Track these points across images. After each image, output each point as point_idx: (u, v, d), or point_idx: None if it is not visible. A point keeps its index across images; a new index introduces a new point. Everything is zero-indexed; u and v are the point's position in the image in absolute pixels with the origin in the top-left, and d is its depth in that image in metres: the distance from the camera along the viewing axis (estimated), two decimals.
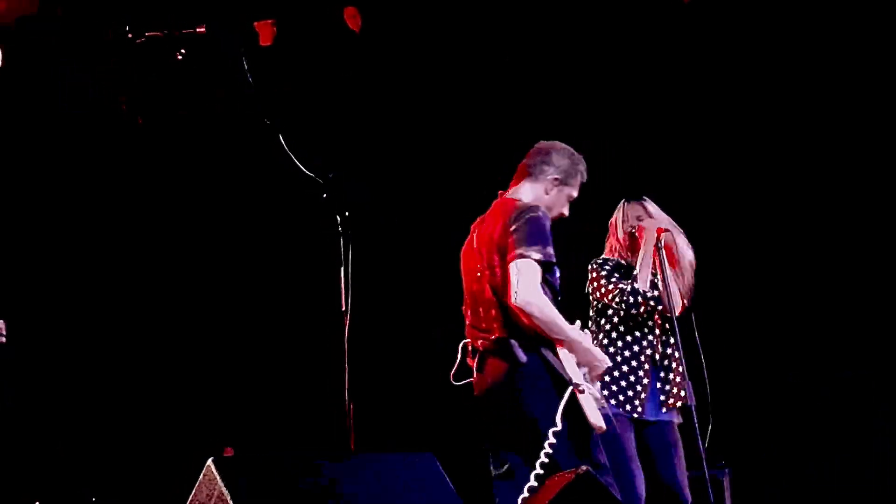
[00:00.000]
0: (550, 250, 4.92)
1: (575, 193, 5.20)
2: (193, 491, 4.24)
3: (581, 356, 4.91)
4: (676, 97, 8.07)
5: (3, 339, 6.10)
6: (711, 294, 6.35)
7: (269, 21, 7.97)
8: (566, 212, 5.20)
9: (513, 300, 4.83)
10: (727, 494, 6.64)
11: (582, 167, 5.21)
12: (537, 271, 4.87)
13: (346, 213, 4.16)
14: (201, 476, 4.23)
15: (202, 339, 8.67)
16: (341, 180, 4.12)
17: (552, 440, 4.71)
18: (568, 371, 4.83)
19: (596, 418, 4.83)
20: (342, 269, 4.12)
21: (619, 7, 7.83)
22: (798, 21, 7.69)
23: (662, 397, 5.76)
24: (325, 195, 4.11)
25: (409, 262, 8.38)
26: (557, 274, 4.99)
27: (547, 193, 5.15)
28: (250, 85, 4.16)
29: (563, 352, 4.87)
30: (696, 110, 8.07)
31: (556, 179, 5.14)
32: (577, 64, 8.01)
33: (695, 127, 8.11)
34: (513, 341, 4.90)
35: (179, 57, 4.29)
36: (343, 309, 4.20)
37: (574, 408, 4.79)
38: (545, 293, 4.87)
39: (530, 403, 4.85)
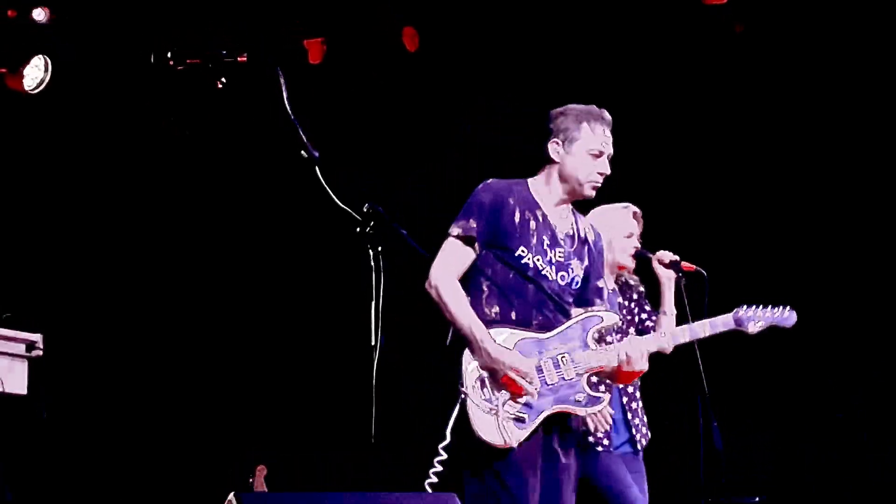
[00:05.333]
0: (472, 223, 4.42)
1: (594, 145, 4.48)
2: None
3: (476, 355, 4.29)
4: (670, 98, 8.08)
5: (41, 353, 6.13)
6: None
7: (319, 39, 7.99)
8: (604, 169, 4.50)
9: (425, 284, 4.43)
10: None
11: (586, 116, 4.52)
12: (454, 249, 4.43)
13: (380, 248, 4.13)
14: None
15: (238, 370, 8.71)
16: (377, 213, 4.08)
17: (441, 455, 4.30)
18: (464, 373, 4.28)
19: (488, 433, 4.23)
20: (373, 303, 4.07)
21: (619, 10, 7.83)
22: (797, 22, 7.69)
23: (637, 435, 5.27)
24: (359, 228, 4.07)
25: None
26: (531, 255, 4.40)
27: (556, 161, 4.52)
28: (289, 115, 4.13)
29: (466, 351, 4.32)
30: (692, 111, 8.07)
31: (556, 143, 4.51)
32: (579, 66, 8.02)
33: (694, 129, 8.12)
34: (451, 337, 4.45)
35: (220, 85, 4.26)
36: (373, 344, 4.15)
37: (465, 422, 4.26)
38: (486, 274, 4.40)
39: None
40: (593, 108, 4.57)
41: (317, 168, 4.12)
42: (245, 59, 4.37)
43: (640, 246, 5.35)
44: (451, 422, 4.27)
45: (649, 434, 5.30)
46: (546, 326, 4.40)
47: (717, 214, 7.92)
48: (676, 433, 6.03)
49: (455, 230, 4.44)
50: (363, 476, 8.36)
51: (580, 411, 4.38)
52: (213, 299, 8.76)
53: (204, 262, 8.76)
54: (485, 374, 4.28)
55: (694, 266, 5.25)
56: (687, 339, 4.67)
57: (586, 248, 4.58)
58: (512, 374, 4.24)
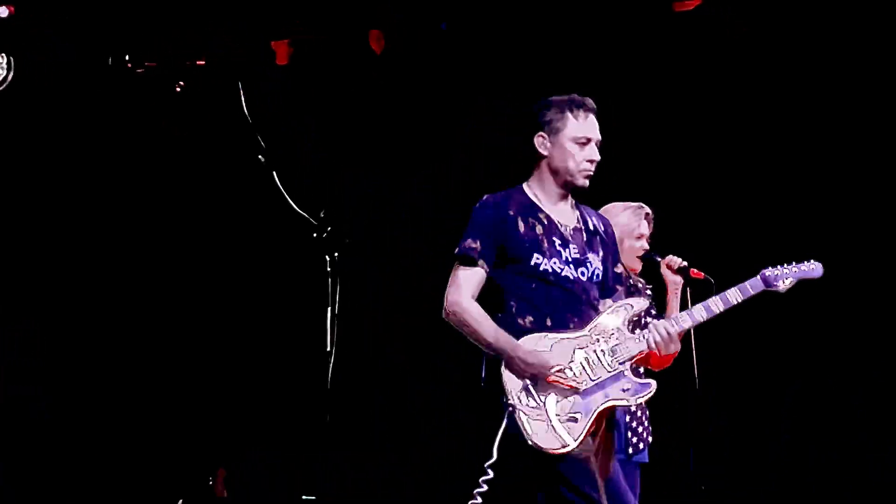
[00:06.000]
0: (472, 244, 4.36)
1: (580, 132, 4.42)
2: None
3: (513, 366, 4.24)
4: (678, 100, 8.09)
5: None
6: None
7: (286, 41, 7.98)
8: (593, 155, 4.45)
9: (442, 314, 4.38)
10: None
11: (569, 105, 4.45)
12: (464, 272, 4.36)
13: (336, 254, 4.10)
14: None
15: (187, 371, 8.66)
16: (333, 220, 4.04)
17: (488, 475, 4.19)
18: (506, 386, 4.23)
19: (544, 439, 4.16)
20: (329, 309, 4.04)
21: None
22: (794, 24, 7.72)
23: (634, 439, 5.25)
24: (315, 234, 4.04)
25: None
26: (546, 260, 4.34)
27: (545, 156, 4.47)
28: (247, 120, 4.10)
29: (501, 366, 4.26)
30: (689, 113, 8.08)
31: (541, 136, 4.44)
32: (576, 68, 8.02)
33: (693, 132, 8.13)
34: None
35: (178, 88, 4.25)
36: (328, 349, 4.12)
37: (514, 434, 4.18)
38: (510, 290, 4.34)
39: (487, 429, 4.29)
40: (575, 96, 4.50)
41: (274, 174, 4.10)
42: (203, 62, 4.35)
43: (648, 248, 5.35)
44: (498, 439, 4.18)
45: (650, 439, 5.24)
46: (582, 325, 4.36)
47: (720, 219, 7.91)
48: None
49: (460, 253, 4.39)
50: (363, 476, 8.35)
51: (631, 401, 4.34)
52: (164, 305, 8.68)
53: (158, 273, 8.70)
54: (527, 381, 4.23)
55: (703, 274, 5.24)
56: (721, 309, 4.54)
57: (598, 238, 4.54)
58: (553, 373, 4.20)
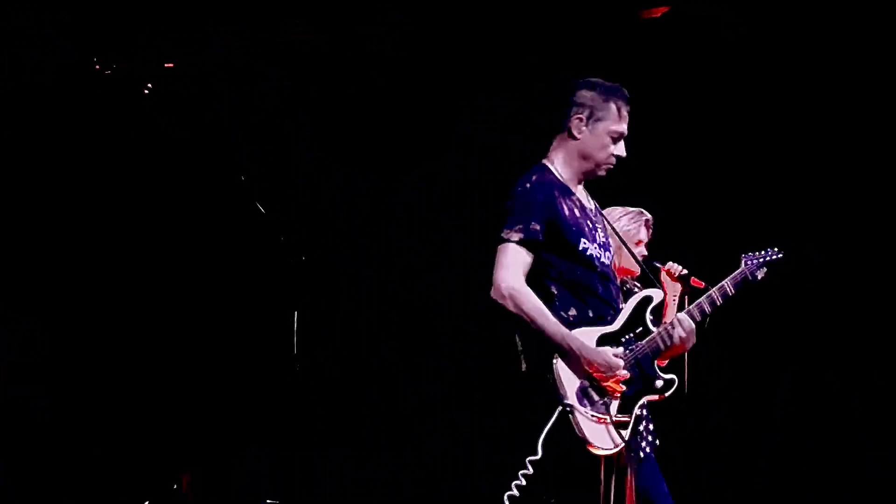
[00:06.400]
0: (535, 226, 4.18)
1: (616, 126, 4.33)
2: None
3: (572, 362, 4.11)
4: (678, 101, 8.08)
5: None
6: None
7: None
8: (620, 152, 4.37)
9: (490, 294, 4.20)
10: None
11: (614, 96, 4.36)
12: (517, 255, 4.18)
13: (303, 258, 4.07)
14: None
15: (184, 371, 8.65)
16: (300, 223, 4.01)
17: (527, 470, 4.06)
18: (561, 384, 4.10)
19: (600, 440, 4.08)
20: (294, 313, 4.01)
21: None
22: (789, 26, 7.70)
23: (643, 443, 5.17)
24: (282, 238, 4.02)
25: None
26: (591, 244, 4.26)
27: (576, 138, 4.34)
28: (216, 123, 4.09)
29: (557, 359, 4.12)
30: (689, 116, 8.06)
31: (579, 118, 4.32)
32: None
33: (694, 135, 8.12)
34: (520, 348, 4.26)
35: (146, 91, 4.25)
36: (294, 353, 4.09)
37: (564, 432, 4.09)
38: (551, 276, 4.22)
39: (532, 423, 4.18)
40: (618, 86, 4.42)
41: (243, 178, 4.07)
42: (172, 66, 4.35)
43: (646, 254, 5.32)
44: (544, 435, 4.04)
45: (657, 442, 5.18)
46: (615, 317, 4.28)
47: (719, 223, 7.89)
48: None
49: (514, 235, 4.20)
50: (357, 475, 8.35)
51: (661, 398, 4.31)
52: (128, 309, 8.68)
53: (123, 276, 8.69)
54: (586, 381, 4.11)
55: (703, 283, 5.22)
56: (720, 302, 4.55)
57: (603, 218, 4.52)
58: (619, 374, 4.12)
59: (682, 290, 5.18)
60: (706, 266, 5.51)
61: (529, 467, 4.05)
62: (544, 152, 4.47)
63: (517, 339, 4.22)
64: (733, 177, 7.95)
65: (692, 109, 7.97)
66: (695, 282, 5.18)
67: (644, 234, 5.41)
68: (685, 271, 5.25)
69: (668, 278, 5.23)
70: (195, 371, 8.48)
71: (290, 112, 8.30)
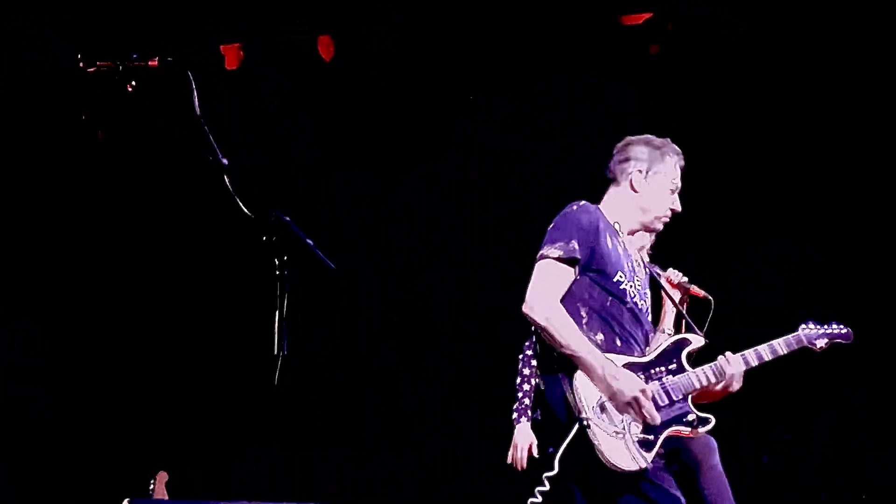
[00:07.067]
0: (574, 245, 4.26)
1: (675, 179, 4.55)
2: None
3: (596, 381, 4.16)
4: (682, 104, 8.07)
5: None
6: None
7: (236, 45, 7.99)
8: (676, 206, 4.56)
9: (522, 308, 4.25)
10: None
11: (668, 149, 4.56)
12: (554, 271, 4.27)
13: (285, 256, 4.06)
14: None
15: (132, 374, 8.64)
16: (282, 222, 4.00)
17: (544, 486, 4.12)
18: (580, 400, 4.15)
19: (619, 458, 4.11)
20: (277, 312, 4.00)
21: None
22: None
23: None
24: (265, 236, 4.01)
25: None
26: (626, 281, 4.37)
27: (636, 191, 4.51)
28: (198, 120, 4.08)
29: (580, 375, 4.18)
30: (691, 118, 8.05)
31: (639, 171, 4.50)
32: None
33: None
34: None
35: (130, 88, 4.22)
36: (276, 353, 4.07)
37: (582, 447, 4.13)
38: (583, 299, 4.30)
39: (547, 437, 4.28)
40: (670, 141, 4.60)
41: (225, 176, 4.06)
42: (156, 63, 4.33)
43: (648, 260, 5.33)
44: (561, 451, 4.10)
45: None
46: (643, 353, 4.38)
47: (719, 229, 7.88)
48: None
49: (554, 252, 4.27)
50: (357, 475, 8.36)
51: (693, 433, 4.36)
52: (110, 304, 8.67)
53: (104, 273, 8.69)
54: (604, 398, 4.16)
55: (702, 292, 5.23)
56: (768, 358, 4.71)
57: (648, 276, 4.62)
58: (641, 399, 4.16)
59: (681, 298, 5.20)
60: (705, 268, 5.52)
61: (546, 483, 4.12)
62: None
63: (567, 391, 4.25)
64: (733, 177, 7.94)
65: (692, 109, 7.96)
66: (694, 291, 5.19)
67: (647, 241, 5.42)
68: (685, 279, 5.26)
69: (667, 285, 5.24)
70: (186, 367, 8.51)
71: (290, 112, 8.31)
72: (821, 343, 4.96)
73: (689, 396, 4.36)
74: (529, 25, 7.93)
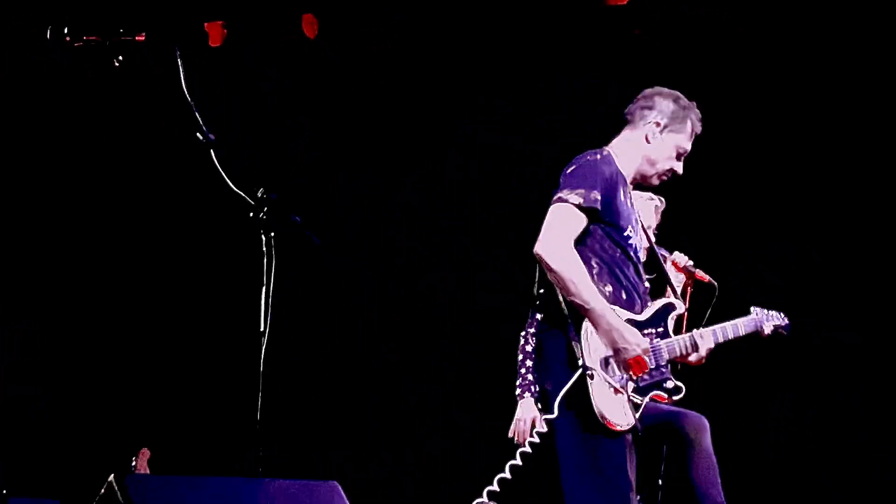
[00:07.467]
0: (596, 195, 4.17)
1: (685, 145, 4.47)
2: None
3: (602, 334, 4.11)
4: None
5: None
6: None
7: (220, 22, 7.97)
8: (678, 168, 4.48)
9: (534, 248, 4.15)
10: None
11: (693, 114, 4.48)
12: (572, 217, 4.17)
13: (273, 234, 4.04)
14: (102, 492, 4.02)
15: (118, 353, 8.63)
16: (270, 200, 3.99)
17: (541, 428, 4.10)
18: (585, 349, 4.10)
19: (613, 413, 4.07)
20: (264, 289, 3.99)
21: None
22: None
23: None
24: (252, 213, 4.00)
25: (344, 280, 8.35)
26: (634, 236, 4.31)
27: (648, 141, 4.41)
28: (185, 97, 4.07)
29: (588, 325, 4.11)
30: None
31: (657, 124, 4.41)
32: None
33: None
34: (540, 304, 4.27)
35: (116, 63, 4.19)
36: (262, 329, 4.06)
37: (581, 396, 4.07)
38: (592, 249, 4.24)
39: (546, 382, 4.20)
40: (695, 106, 4.53)
41: (212, 152, 4.05)
42: (143, 38, 4.31)
43: (654, 240, 5.33)
44: (560, 396, 4.04)
45: None
46: (641, 311, 4.33)
47: (721, 217, 7.88)
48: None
49: (575, 198, 4.17)
50: (357, 475, 8.35)
51: (668, 400, 4.35)
52: (96, 285, 8.65)
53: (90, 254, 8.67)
54: (609, 352, 4.13)
55: (707, 277, 5.22)
56: (720, 340, 4.63)
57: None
58: (644, 359, 4.12)
59: (685, 282, 5.20)
60: (704, 268, 5.52)
61: (544, 425, 4.09)
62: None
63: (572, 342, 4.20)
64: (733, 176, 7.93)
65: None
66: (699, 275, 5.19)
67: (653, 220, 5.42)
68: (691, 262, 5.26)
69: (672, 268, 5.24)
70: (186, 367, 8.51)
71: (290, 112, 8.31)
72: (768, 329, 4.88)
73: (669, 363, 4.34)
74: (529, 25, 7.94)
